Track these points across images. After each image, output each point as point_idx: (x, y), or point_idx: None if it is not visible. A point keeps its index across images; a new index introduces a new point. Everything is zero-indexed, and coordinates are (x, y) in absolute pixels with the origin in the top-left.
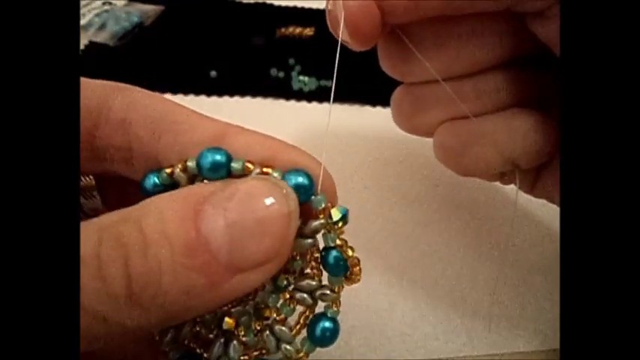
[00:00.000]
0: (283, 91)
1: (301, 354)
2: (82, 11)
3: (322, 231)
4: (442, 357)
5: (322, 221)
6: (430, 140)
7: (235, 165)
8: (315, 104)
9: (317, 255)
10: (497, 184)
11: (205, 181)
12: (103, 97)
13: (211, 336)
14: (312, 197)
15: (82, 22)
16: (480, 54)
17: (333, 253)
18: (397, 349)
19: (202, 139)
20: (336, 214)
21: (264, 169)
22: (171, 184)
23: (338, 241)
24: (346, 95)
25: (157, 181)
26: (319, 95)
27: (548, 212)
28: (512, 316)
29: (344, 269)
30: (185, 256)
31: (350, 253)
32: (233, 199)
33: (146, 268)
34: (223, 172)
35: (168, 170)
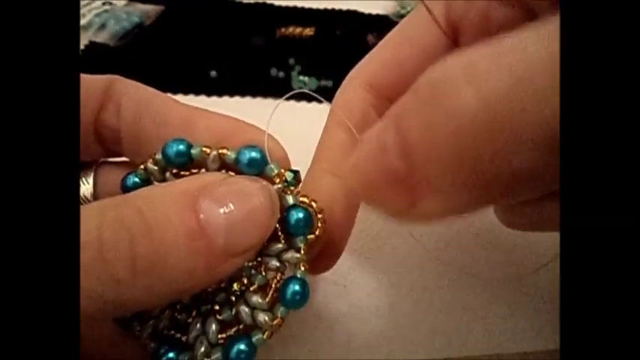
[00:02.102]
0: (283, 91)
1: (276, 320)
2: (82, 11)
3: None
4: (442, 357)
5: (279, 185)
6: None
7: (194, 151)
8: (315, 104)
9: (279, 216)
10: None
11: (174, 170)
12: (105, 88)
13: (190, 320)
14: (266, 167)
15: (82, 22)
16: None
17: (293, 213)
18: (397, 349)
19: (174, 120)
20: (289, 176)
21: (220, 151)
22: (148, 179)
23: (302, 199)
24: None
25: (136, 179)
26: (319, 95)
27: None
28: (512, 316)
29: (304, 228)
30: (189, 239)
31: (314, 205)
32: (231, 195)
33: (152, 249)
34: (185, 158)
35: (142, 166)
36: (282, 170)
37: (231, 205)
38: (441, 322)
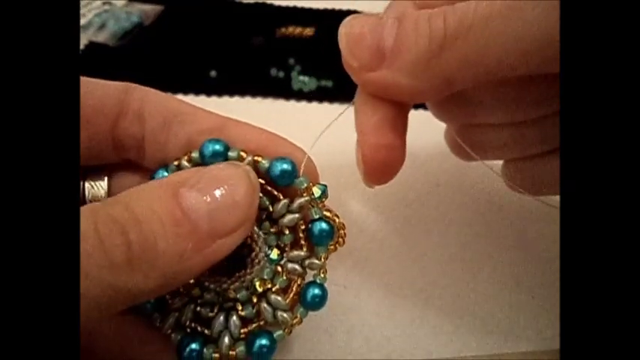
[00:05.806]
0: (283, 91)
1: (296, 320)
2: (82, 11)
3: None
4: (442, 357)
5: (306, 198)
6: (430, 140)
7: (232, 154)
8: (315, 104)
9: (303, 227)
10: (498, 184)
11: None
12: (122, 95)
13: (212, 314)
14: (296, 179)
15: (82, 22)
16: (542, 105)
17: (317, 225)
18: (397, 349)
19: (205, 129)
20: (316, 191)
21: (255, 158)
22: None
23: (326, 213)
24: (347, 95)
25: (165, 174)
26: (319, 95)
27: (548, 212)
28: (512, 316)
29: (327, 239)
30: (174, 226)
31: (336, 219)
32: (210, 181)
33: (143, 237)
34: (221, 159)
35: (175, 162)
36: (311, 184)
37: (211, 190)
38: (441, 322)
